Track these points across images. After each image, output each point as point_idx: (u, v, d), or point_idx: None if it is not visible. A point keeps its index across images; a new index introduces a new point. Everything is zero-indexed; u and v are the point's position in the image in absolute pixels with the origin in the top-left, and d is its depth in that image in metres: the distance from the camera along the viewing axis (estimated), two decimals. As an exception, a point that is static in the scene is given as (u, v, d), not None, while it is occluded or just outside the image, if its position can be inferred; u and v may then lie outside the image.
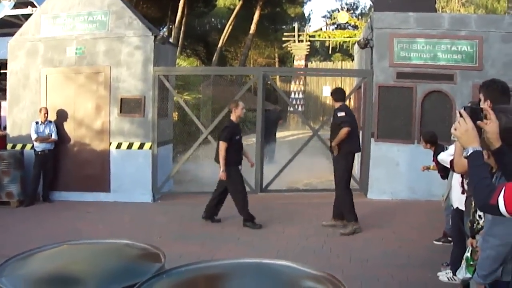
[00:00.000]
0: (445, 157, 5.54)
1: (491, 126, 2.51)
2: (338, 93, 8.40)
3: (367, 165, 10.56)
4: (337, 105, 8.18)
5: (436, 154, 6.54)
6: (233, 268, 2.71)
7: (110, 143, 10.68)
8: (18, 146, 10.89)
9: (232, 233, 8.03)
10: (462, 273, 3.47)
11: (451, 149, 5.56)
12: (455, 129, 2.49)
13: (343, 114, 8.00)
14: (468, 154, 2.43)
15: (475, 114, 2.52)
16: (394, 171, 10.17)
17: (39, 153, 10.40)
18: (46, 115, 10.40)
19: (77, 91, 10.75)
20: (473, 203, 3.42)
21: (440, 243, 7.04)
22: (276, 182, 10.95)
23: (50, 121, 10.52)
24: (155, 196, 10.67)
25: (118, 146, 10.65)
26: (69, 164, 10.76)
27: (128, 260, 2.85)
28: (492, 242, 2.76)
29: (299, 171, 11.91)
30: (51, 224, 8.86)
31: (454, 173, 5.18)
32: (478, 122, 2.51)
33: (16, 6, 15.65)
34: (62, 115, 10.76)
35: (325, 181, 11.19)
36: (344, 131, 7.82)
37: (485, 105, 3.60)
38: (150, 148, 10.62)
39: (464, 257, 3.52)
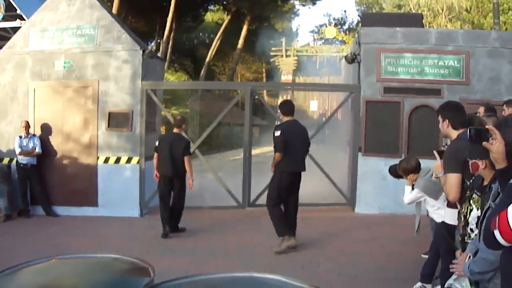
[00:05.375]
0: (412, 196, 5.53)
1: (497, 146, 2.52)
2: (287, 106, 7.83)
3: (354, 179, 10.58)
4: (285, 119, 7.72)
5: None
6: (224, 282, 2.69)
7: (98, 157, 10.63)
8: (6, 160, 10.81)
9: (220, 247, 8.00)
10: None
11: (408, 188, 5.59)
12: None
13: (277, 134, 7.39)
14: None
15: (480, 135, 2.52)
16: (382, 185, 10.15)
17: (21, 165, 10.36)
18: (27, 128, 10.36)
19: (65, 104, 10.71)
20: (462, 217, 3.43)
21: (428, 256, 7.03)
22: (264, 196, 10.90)
23: (34, 135, 10.48)
24: (143, 211, 10.62)
25: (106, 160, 10.61)
26: (57, 178, 10.68)
27: (118, 274, 2.83)
28: None
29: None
30: (39, 238, 8.77)
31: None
32: (484, 143, 2.52)
33: (4, 19, 15.66)
34: (49, 129, 10.71)
35: (312, 195, 11.15)
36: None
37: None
38: (138, 162, 10.59)
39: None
